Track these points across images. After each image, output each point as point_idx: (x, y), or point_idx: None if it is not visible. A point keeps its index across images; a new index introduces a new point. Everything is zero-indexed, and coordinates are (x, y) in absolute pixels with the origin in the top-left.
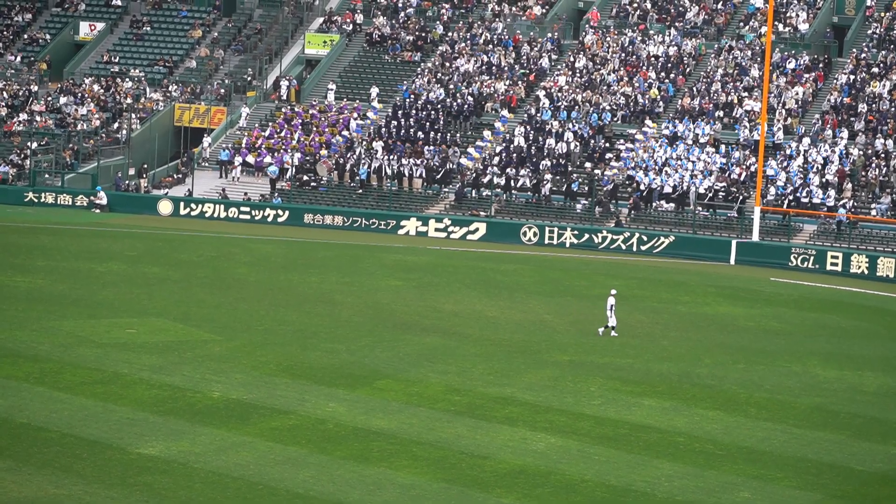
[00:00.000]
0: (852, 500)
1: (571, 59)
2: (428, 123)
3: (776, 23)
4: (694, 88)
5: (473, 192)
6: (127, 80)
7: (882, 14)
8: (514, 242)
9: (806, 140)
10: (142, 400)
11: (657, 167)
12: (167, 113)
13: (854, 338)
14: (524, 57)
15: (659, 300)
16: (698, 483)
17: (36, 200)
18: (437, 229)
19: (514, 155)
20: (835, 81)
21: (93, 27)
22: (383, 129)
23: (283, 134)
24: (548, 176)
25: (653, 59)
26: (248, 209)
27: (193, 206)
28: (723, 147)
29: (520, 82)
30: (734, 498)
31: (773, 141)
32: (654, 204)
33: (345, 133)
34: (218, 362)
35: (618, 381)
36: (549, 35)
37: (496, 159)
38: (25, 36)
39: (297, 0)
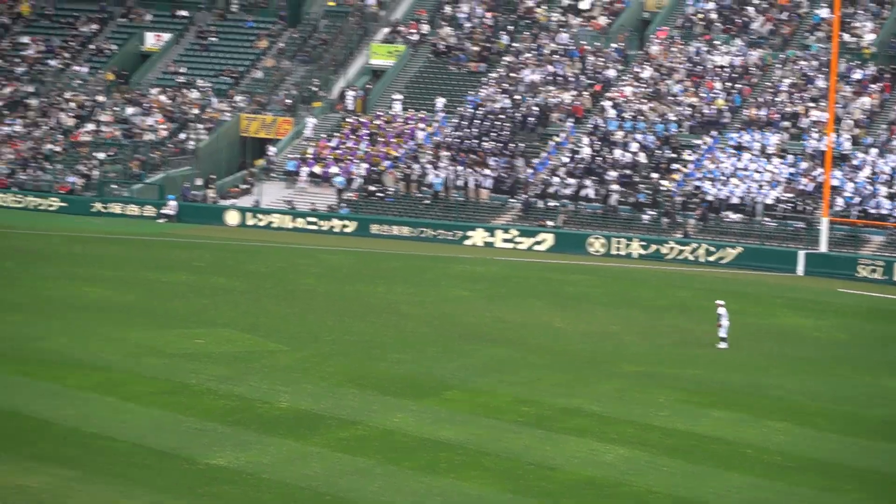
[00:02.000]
0: None
1: (637, 69)
2: (494, 134)
3: (842, 33)
4: (760, 99)
5: (540, 202)
6: (193, 90)
7: None
8: (581, 253)
9: (873, 150)
10: (210, 410)
11: (724, 178)
12: (233, 123)
13: None
14: (589, 67)
15: (727, 311)
16: (768, 494)
17: (103, 211)
18: (504, 240)
19: (581, 165)
20: None
21: (159, 38)
22: (450, 140)
23: (349, 144)
24: (614, 186)
25: (718, 69)
26: (314, 220)
27: (260, 216)
28: (790, 157)
29: (585, 92)
30: None
31: (840, 151)
32: (721, 215)
33: (411, 143)
34: (286, 373)
35: (686, 392)
36: (615, 45)
37: (563, 170)
38: (92, 46)
39: (362, 10)
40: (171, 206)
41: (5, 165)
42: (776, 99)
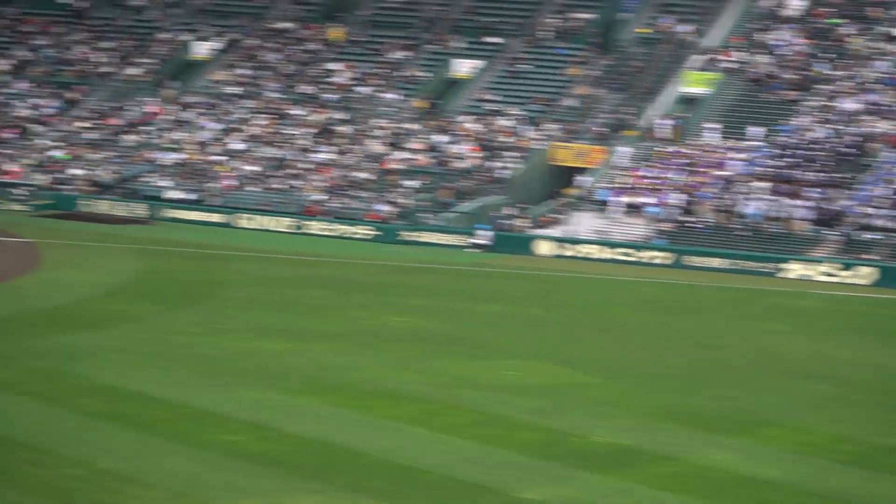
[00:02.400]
0: None
1: None
2: (812, 164)
3: None
4: None
5: (861, 234)
6: (503, 118)
7: None
8: None
9: None
10: (522, 443)
11: None
12: (544, 151)
13: None
14: None
15: None
16: None
17: (412, 239)
18: (822, 273)
19: None
20: None
21: (469, 65)
22: (766, 170)
23: (663, 174)
24: None
25: None
26: (628, 250)
27: (572, 246)
28: None
29: None
30: None
31: None
32: None
33: (726, 173)
34: (600, 406)
35: None
36: None
37: (883, 201)
38: (402, 73)
39: (674, 38)
40: (486, 236)
41: (316, 193)
42: None
